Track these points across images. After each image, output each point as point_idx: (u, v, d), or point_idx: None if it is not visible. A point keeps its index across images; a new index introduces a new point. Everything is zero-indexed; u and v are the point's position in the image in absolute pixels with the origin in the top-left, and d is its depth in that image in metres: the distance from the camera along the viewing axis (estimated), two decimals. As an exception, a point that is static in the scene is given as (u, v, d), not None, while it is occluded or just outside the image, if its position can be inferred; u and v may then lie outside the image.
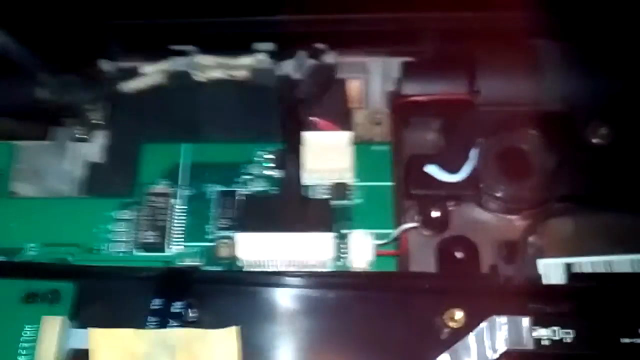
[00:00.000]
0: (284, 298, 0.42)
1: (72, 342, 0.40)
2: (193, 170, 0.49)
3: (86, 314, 0.41)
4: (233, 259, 0.45)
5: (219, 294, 0.41)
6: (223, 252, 0.46)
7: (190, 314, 0.40)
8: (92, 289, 0.42)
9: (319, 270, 0.44)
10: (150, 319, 0.40)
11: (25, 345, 0.40)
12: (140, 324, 0.40)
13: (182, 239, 0.47)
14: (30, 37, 0.50)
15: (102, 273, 0.42)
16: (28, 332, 0.40)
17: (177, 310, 0.40)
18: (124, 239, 0.47)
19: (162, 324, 0.39)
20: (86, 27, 0.52)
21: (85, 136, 0.52)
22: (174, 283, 0.41)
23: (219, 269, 0.45)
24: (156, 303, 0.40)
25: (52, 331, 0.40)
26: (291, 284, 0.42)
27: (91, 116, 0.52)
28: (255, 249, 0.44)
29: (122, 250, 0.46)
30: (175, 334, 0.39)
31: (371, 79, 0.52)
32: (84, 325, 0.40)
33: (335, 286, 0.42)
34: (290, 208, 0.46)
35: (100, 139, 0.52)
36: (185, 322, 0.39)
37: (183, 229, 0.47)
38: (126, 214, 0.47)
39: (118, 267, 0.44)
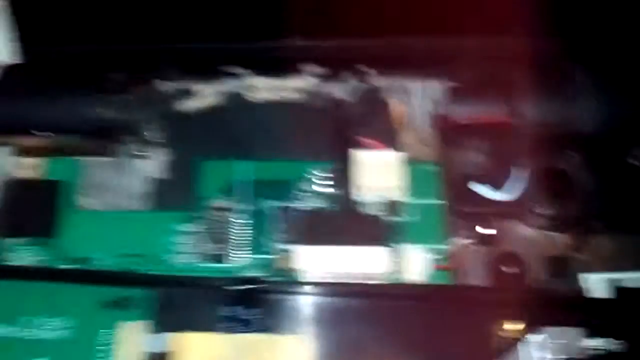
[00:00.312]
0: (344, 308, 0.44)
1: (149, 346, 0.42)
2: (250, 186, 0.51)
3: (161, 319, 0.43)
4: (291, 270, 0.47)
5: (284, 303, 0.44)
6: (282, 264, 0.48)
7: (259, 321, 0.42)
8: (166, 297, 0.44)
9: (376, 282, 0.47)
10: (223, 325, 0.42)
11: (103, 349, 0.42)
12: (212, 330, 0.42)
13: (243, 251, 0.49)
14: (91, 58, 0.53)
15: (176, 281, 0.44)
16: (105, 337, 0.42)
17: (248, 318, 0.43)
18: (187, 251, 0.49)
19: (234, 330, 0.42)
20: (144, 49, 0.54)
21: (143, 153, 0.54)
22: (243, 292, 0.43)
23: (278, 279, 0.47)
24: (227, 310, 0.42)
25: (131, 336, 0.42)
26: (352, 294, 0.44)
27: (148, 134, 0.55)
28: (313, 261, 0.47)
29: (187, 261, 0.49)
30: (250, 339, 0.41)
31: (415, 101, 0.55)
32: (159, 330, 0.43)
33: (394, 298, 0.45)
34: (345, 223, 0.49)
35: (158, 156, 0.54)
36: (255, 329, 0.42)
37: (243, 241, 0.49)
38: (189, 227, 0.50)
39: (191, 276, 0.46)
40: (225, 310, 0.43)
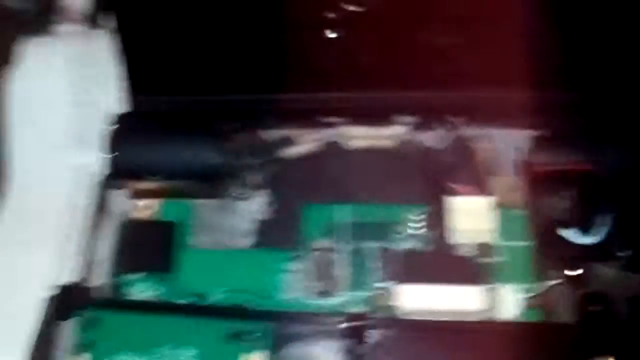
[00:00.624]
0: (443, 343, 0.48)
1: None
2: (350, 228, 0.55)
3: (279, 352, 0.47)
4: (391, 307, 0.51)
5: (396, 338, 0.47)
6: (382, 301, 0.52)
7: (370, 356, 0.46)
8: (281, 330, 0.48)
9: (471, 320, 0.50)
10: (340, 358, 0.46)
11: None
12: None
13: (345, 289, 0.53)
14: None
15: (292, 317, 0.48)
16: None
17: (361, 352, 0.47)
18: (293, 287, 0.53)
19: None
20: (249, 100, 0.59)
21: (246, 196, 0.59)
22: (355, 328, 0.47)
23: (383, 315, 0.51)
24: (348, 345, 0.46)
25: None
26: (450, 330, 0.48)
27: (251, 179, 0.59)
28: (413, 299, 0.51)
29: (293, 297, 0.53)
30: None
31: (502, 149, 0.59)
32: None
33: (488, 334, 0.49)
34: (441, 263, 0.53)
35: (261, 198, 0.59)
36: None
37: (345, 280, 0.53)
38: (295, 266, 0.54)
39: (306, 312, 0.51)
40: (339, 345, 0.47)
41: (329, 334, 0.48)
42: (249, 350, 0.47)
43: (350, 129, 0.59)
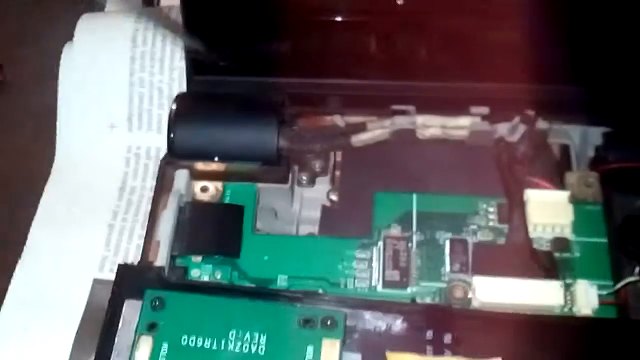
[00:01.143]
0: (525, 337, 0.47)
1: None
2: (422, 218, 0.54)
3: (355, 339, 0.46)
4: (466, 299, 0.50)
5: (475, 329, 0.46)
6: (457, 293, 0.51)
7: (457, 346, 0.45)
8: (356, 318, 0.47)
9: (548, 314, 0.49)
10: (422, 347, 0.45)
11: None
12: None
13: (418, 279, 0.52)
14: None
15: (371, 305, 0.47)
16: (305, 354, 0.45)
17: (441, 341, 0.45)
18: (363, 276, 0.52)
19: (436, 353, 0.45)
20: (321, 84, 0.58)
21: (309, 182, 0.58)
22: (439, 317, 0.46)
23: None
24: (429, 334, 0.45)
25: (330, 354, 0.45)
26: (534, 324, 0.47)
27: (315, 165, 0.58)
28: (490, 292, 0.50)
29: (366, 286, 0.52)
30: (451, 360, 0.44)
31: (576, 145, 0.58)
32: (353, 349, 0.46)
33: (563, 329, 0.47)
34: (519, 257, 0.51)
35: (324, 185, 0.58)
36: (453, 353, 0.45)
37: (419, 270, 0.52)
38: (365, 254, 0.53)
39: (386, 301, 0.50)
40: (418, 334, 0.46)
41: (405, 323, 0.46)
42: (325, 336, 0.45)
43: (423, 117, 0.57)
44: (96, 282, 0.59)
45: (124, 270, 0.50)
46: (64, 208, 0.63)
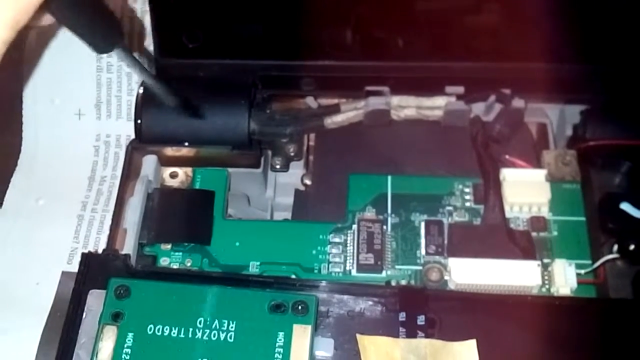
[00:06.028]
0: (501, 318, 0.45)
1: (317, 348, 0.44)
2: (398, 200, 0.53)
3: (326, 324, 0.45)
4: (442, 282, 0.49)
5: (449, 311, 0.45)
6: (433, 275, 0.50)
7: (430, 327, 0.43)
8: (328, 302, 0.45)
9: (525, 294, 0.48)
10: (393, 329, 0.44)
11: (274, 351, 0.44)
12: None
13: (393, 262, 0.50)
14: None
15: (344, 289, 0.46)
16: (275, 340, 0.44)
17: (414, 323, 0.44)
18: (338, 260, 0.51)
19: (407, 335, 0.43)
20: (291, 66, 0.57)
21: (283, 166, 0.56)
22: (412, 299, 0.45)
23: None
24: (402, 316, 0.44)
25: (300, 339, 0.43)
26: (511, 305, 0.46)
27: (289, 149, 0.57)
28: (466, 273, 0.48)
29: (341, 270, 0.50)
30: (423, 343, 0.43)
31: (554, 123, 0.56)
32: (324, 334, 0.44)
33: (542, 309, 0.46)
34: (495, 237, 0.50)
35: (298, 170, 0.56)
36: (426, 335, 0.43)
37: (393, 252, 0.51)
38: (340, 238, 0.51)
39: (359, 284, 0.48)
40: (392, 316, 0.44)
41: (378, 306, 0.45)
42: (295, 322, 0.44)
43: (398, 98, 0.56)
44: (64, 275, 0.56)
45: (88, 259, 0.48)
46: (31, 199, 0.61)
